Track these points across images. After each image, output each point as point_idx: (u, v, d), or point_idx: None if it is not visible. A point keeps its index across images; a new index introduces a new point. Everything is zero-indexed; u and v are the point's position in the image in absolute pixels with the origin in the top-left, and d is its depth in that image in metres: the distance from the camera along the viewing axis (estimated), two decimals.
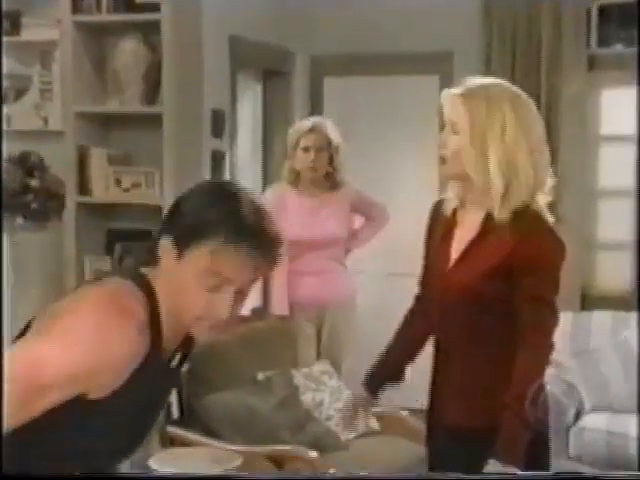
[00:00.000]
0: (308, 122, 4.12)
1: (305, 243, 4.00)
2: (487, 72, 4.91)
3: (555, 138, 4.77)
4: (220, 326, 1.65)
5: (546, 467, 2.26)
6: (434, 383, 2.36)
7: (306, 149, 4.00)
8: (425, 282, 2.46)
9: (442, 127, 2.31)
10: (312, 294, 4.03)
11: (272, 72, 5.46)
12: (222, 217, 1.60)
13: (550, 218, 2.23)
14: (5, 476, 1.59)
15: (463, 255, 2.25)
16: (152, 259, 1.65)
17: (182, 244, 1.60)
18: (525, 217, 2.17)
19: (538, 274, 2.14)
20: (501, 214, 2.18)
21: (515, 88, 2.28)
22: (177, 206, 1.67)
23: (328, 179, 4.09)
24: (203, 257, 1.58)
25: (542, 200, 2.24)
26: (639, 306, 4.47)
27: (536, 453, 2.17)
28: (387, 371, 2.56)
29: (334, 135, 4.04)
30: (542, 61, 4.90)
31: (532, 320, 2.14)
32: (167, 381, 1.81)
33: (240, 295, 1.63)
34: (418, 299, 2.55)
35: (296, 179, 4.07)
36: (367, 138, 5.43)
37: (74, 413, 1.59)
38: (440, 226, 2.36)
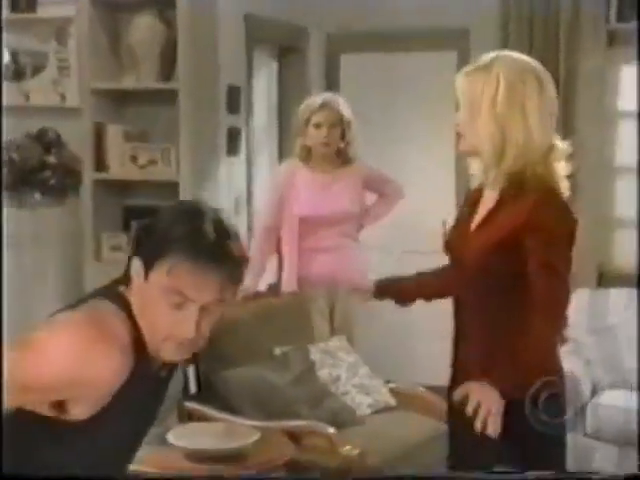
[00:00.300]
0: (319, 98, 4.06)
1: (317, 220, 3.96)
2: (504, 48, 4.83)
3: (573, 114, 4.69)
4: (186, 345, 1.67)
5: (561, 466, 2.23)
6: (454, 356, 2.36)
7: (318, 125, 3.95)
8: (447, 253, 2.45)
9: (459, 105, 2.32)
10: (324, 271, 3.99)
11: (288, 49, 5.41)
12: (183, 235, 1.62)
13: (566, 191, 2.23)
14: (5, 476, 1.62)
15: (479, 226, 2.27)
16: (128, 279, 1.69)
17: (148, 264, 1.64)
18: (538, 189, 2.17)
19: (547, 245, 2.13)
20: (496, 179, 2.21)
21: (519, 56, 2.28)
22: (146, 226, 1.69)
23: (340, 155, 4.04)
24: (164, 275, 1.61)
25: (561, 170, 2.23)
26: (639, 285, 4.44)
27: (548, 453, 2.13)
28: (399, 287, 2.65)
29: (346, 111, 3.99)
30: (560, 37, 4.82)
31: (542, 290, 2.12)
32: (159, 391, 1.85)
33: (206, 313, 1.64)
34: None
35: (308, 156, 4.02)
36: (383, 115, 5.37)
37: (64, 434, 1.66)
38: (469, 202, 2.38)
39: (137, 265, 1.65)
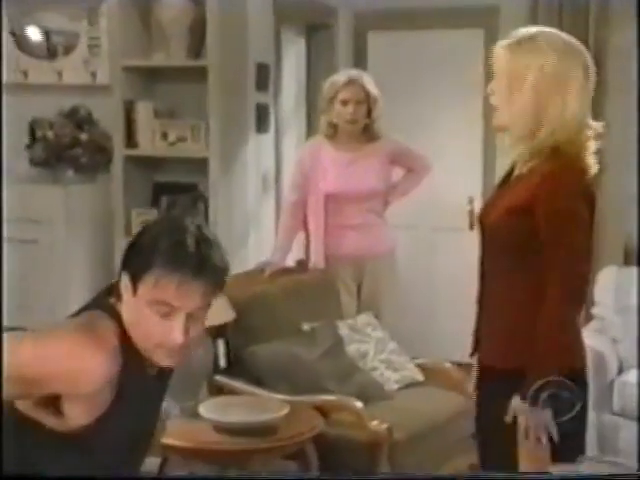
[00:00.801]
0: (344, 75, 4.00)
1: (343, 196, 3.92)
2: (533, 25, 4.74)
3: (602, 90, 4.59)
4: (177, 351, 1.74)
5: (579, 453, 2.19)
6: (476, 325, 2.33)
7: (345, 102, 3.89)
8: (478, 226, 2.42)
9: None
10: (351, 247, 3.95)
11: (316, 27, 5.35)
12: (166, 249, 1.71)
13: (592, 168, 2.17)
14: (5, 476, 1.67)
15: (502, 196, 2.24)
16: (118, 293, 1.76)
17: (136, 278, 1.72)
18: (559, 163, 2.12)
19: (557, 217, 2.09)
20: (526, 154, 2.17)
21: (562, 34, 2.21)
22: (132, 243, 1.77)
23: (365, 132, 3.99)
24: (151, 288, 1.70)
25: (590, 148, 2.18)
26: (639, 263, 4.37)
27: (564, 448, 2.08)
28: None
29: (372, 87, 3.93)
30: (590, 12, 4.71)
31: (555, 264, 2.08)
32: (157, 391, 1.90)
33: (193, 319, 1.73)
34: None
35: (334, 133, 3.97)
36: (410, 92, 5.29)
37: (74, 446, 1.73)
38: (503, 178, 2.33)
39: (125, 280, 1.73)
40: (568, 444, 2.08)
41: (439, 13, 5.20)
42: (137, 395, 1.77)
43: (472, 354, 2.33)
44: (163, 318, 1.70)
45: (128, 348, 1.73)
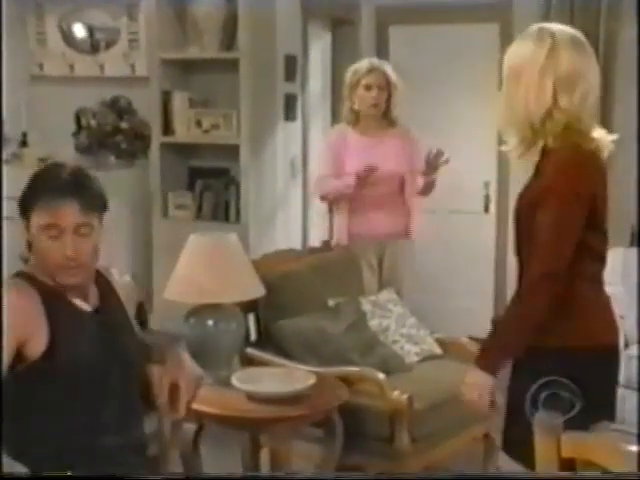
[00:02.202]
0: (367, 62, 3.96)
1: (368, 178, 3.87)
2: (546, 20, 4.65)
3: (613, 83, 4.51)
4: (76, 267, 1.96)
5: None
6: None
7: (368, 87, 3.87)
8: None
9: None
10: (373, 227, 3.92)
11: (340, 21, 5.31)
12: (43, 181, 1.98)
13: (602, 153, 2.14)
14: (5, 476, 1.73)
15: (530, 182, 2.20)
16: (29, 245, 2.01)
17: (26, 214, 1.97)
18: (565, 151, 2.08)
19: (557, 202, 2.05)
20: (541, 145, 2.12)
21: (568, 28, 2.16)
22: (23, 189, 2.00)
23: (385, 117, 3.96)
24: (38, 217, 1.95)
25: (598, 135, 2.13)
26: (639, 243, 4.30)
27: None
28: None
29: (392, 74, 3.91)
30: (602, 6, 4.61)
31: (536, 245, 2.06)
32: (105, 325, 2.04)
33: (82, 237, 1.96)
34: None
35: (356, 119, 3.94)
36: (430, 83, 5.23)
37: (40, 373, 1.93)
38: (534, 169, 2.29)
39: (22, 221, 1.99)
40: (598, 412, 2.05)
41: (456, 8, 5.12)
42: (75, 329, 1.97)
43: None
44: (55, 240, 1.94)
45: (50, 296, 1.96)
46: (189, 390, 2.06)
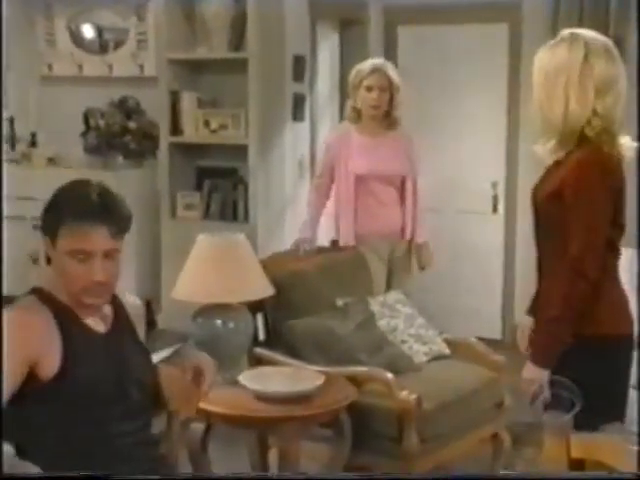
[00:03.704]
0: (370, 63, 3.96)
1: (371, 177, 3.89)
2: (555, 21, 4.64)
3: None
4: (100, 290, 1.93)
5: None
6: (536, 292, 2.38)
7: (369, 88, 3.87)
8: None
9: None
10: (378, 227, 3.93)
11: (348, 22, 5.30)
12: (71, 203, 1.90)
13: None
14: (5, 476, 1.72)
15: (544, 181, 2.27)
16: (48, 259, 1.96)
17: (52, 235, 1.91)
18: (584, 150, 2.14)
19: (576, 203, 2.11)
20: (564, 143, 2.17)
21: (591, 34, 2.22)
22: (45, 208, 1.94)
23: (386, 118, 3.95)
24: (66, 239, 1.89)
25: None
26: (639, 243, 4.27)
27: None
28: None
29: (395, 76, 3.91)
30: (610, 9, 4.59)
31: (571, 248, 2.11)
32: (117, 346, 2.01)
33: (109, 260, 1.92)
34: None
35: (358, 118, 3.94)
36: (439, 82, 5.22)
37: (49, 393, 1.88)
38: (551, 165, 2.33)
39: (46, 240, 1.92)
40: (607, 408, 2.07)
41: (465, 8, 5.11)
42: (89, 349, 1.94)
43: (529, 312, 2.40)
44: (82, 263, 1.90)
45: (64, 317, 1.92)
46: (210, 373, 2.11)
